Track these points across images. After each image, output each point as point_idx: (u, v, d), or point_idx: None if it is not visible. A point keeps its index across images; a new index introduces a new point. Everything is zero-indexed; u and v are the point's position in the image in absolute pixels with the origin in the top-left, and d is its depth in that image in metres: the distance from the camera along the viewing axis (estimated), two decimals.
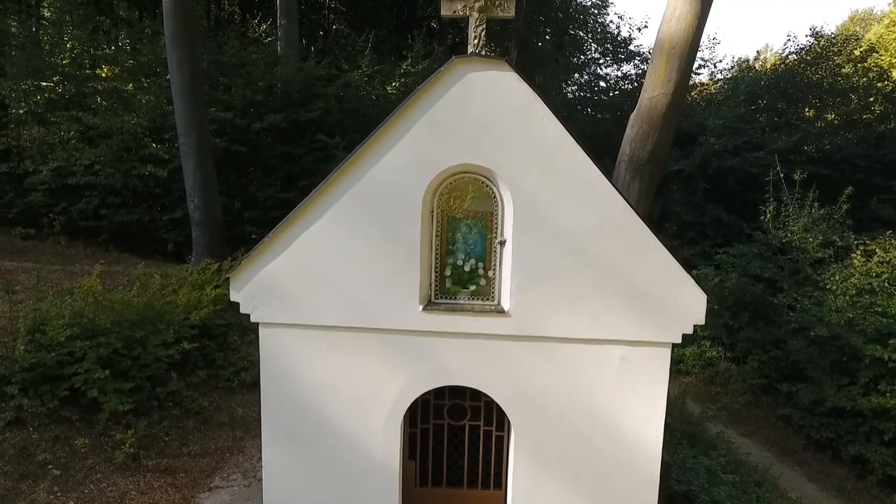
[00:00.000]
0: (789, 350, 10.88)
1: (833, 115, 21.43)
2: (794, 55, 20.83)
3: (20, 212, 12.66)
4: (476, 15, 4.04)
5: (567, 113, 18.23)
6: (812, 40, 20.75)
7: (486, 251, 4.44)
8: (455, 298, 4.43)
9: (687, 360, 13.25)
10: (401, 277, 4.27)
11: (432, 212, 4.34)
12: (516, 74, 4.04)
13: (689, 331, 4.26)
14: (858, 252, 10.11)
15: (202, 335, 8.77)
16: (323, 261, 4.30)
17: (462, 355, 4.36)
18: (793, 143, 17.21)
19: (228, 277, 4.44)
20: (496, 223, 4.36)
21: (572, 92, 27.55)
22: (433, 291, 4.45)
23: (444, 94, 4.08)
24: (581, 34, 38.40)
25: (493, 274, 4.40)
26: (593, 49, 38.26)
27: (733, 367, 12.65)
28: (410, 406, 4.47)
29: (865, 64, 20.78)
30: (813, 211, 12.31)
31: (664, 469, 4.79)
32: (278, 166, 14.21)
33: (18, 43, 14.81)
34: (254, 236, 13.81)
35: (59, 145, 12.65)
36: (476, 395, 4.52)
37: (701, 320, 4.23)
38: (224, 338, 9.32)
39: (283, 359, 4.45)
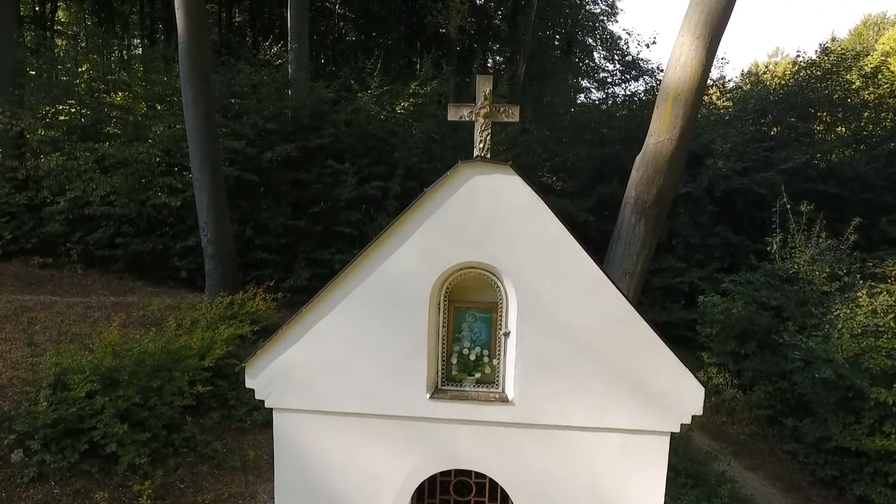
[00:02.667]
0: (795, 382, 10.95)
1: (844, 129, 21.37)
2: (804, 71, 20.75)
3: (38, 241, 12.95)
4: (481, 120, 4.19)
5: (575, 132, 18.29)
6: (822, 56, 20.64)
7: (491, 339, 4.60)
8: (461, 385, 4.59)
9: None
10: (409, 367, 4.44)
11: (439, 304, 4.50)
12: (519, 178, 4.19)
13: (688, 421, 4.40)
14: (864, 291, 10.15)
15: (215, 375, 9.00)
16: (335, 350, 4.48)
17: (467, 440, 4.52)
18: (802, 162, 17.18)
19: (244, 367, 4.61)
20: (501, 314, 4.51)
21: (580, 105, 27.66)
22: (440, 378, 4.61)
23: (451, 196, 4.24)
24: (590, 41, 38.46)
25: (498, 362, 4.56)
26: (601, 56, 38.31)
27: (739, 394, 12.71)
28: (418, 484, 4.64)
29: (876, 79, 20.69)
30: (820, 241, 12.33)
31: None
32: (288, 193, 14.44)
33: (36, 67, 15.10)
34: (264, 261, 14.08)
35: (76, 176, 12.93)
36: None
37: (699, 411, 4.36)
38: (237, 376, 9.52)
39: (296, 442, 4.63)
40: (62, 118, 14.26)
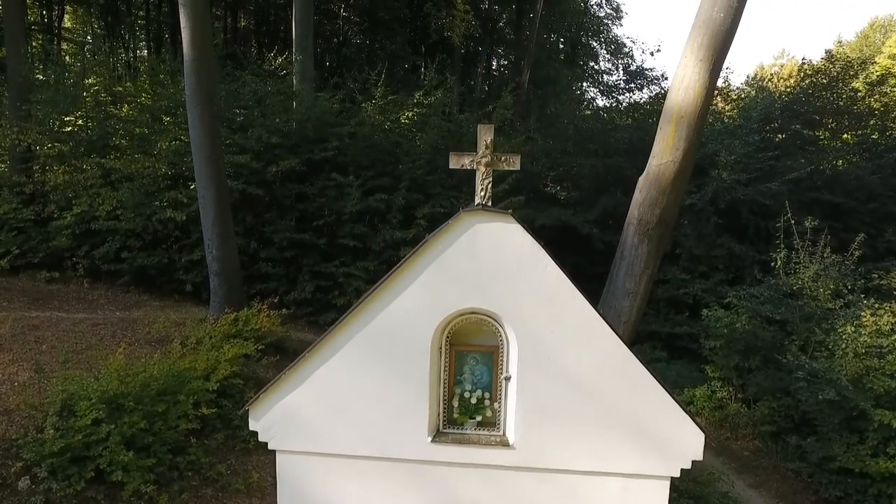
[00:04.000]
0: (799, 399, 10.93)
1: (849, 136, 21.29)
2: (810, 78, 20.66)
3: (45, 256, 13.06)
4: (483, 169, 4.22)
5: (579, 143, 18.28)
6: (828, 64, 20.56)
7: (492, 382, 4.64)
8: (462, 428, 4.63)
9: (697, 401, 13.32)
10: (411, 410, 4.48)
11: (440, 348, 4.54)
12: (520, 226, 4.23)
13: (688, 466, 4.42)
14: (868, 312, 10.13)
15: (220, 395, 9.04)
16: (338, 394, 4.53)
17: (469, 483, 4.56)
18: (807, 173, 17.12)
19: (248, 410, 4.66)
20: (501, 359, 4.55)
21: (584, 111, 27.63)
22: (441, 420, 4.65)
23: (453, 243, 4.28)
24: (594, 44, 38.44)
25: (499, 406, 4.60)
26: (606, 59, 38.29)
27: (743, 408, 12.68)
28: None
29: (883, 88, 20.60)
30: (825, 256, 12.29)
31: None
32: (293, 206, 14.49)
33: (43, 79, 15.22)
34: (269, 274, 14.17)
35: (83, 191, 13.03)
36: None
37: (699, 456, 4.39)
38: (241, 395, 9.57)
39: (299, 483, 4.68)
40: (68, 129, 14.35)
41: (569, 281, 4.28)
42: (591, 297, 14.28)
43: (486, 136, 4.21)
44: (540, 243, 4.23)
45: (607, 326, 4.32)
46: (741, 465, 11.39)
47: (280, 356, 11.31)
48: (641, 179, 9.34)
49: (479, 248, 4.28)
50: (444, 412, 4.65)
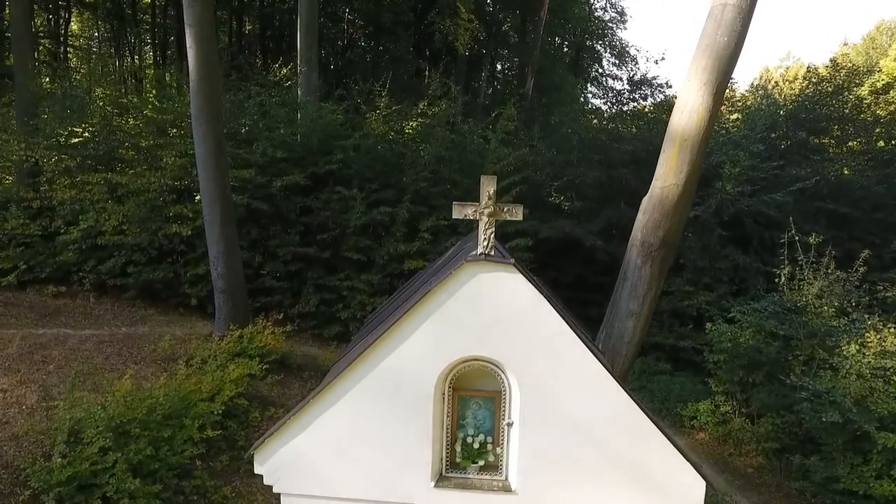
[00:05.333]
0: (803, 416, 10.91)
1: (855, 143, 21.20)
2: (815, 86, 20.58)
3: (52, 270, 13.16)
4: (485, 219, 4.25)
5: (583, 153, 18.27)
6: (834, 72, 20.48)
7: (494, 427, 4.67)
8: (465, 472, 4.66)
9: (701, 415, 13.32)
10: (414, 455, 4.52)
11: (443, 394, 4.58)
12: (522, 276, 4.25)
13: None
14: (872, 332, 10.11)
15: (225, 416, 9.11)
16: (342, 438, 4.56)
17: None
18: (812, 184, 17.06)
19: (253, 455, 4.71)
20: (504, 404, 4.58)
21: (588, 117, 27.58)
22: (444, 465, 4.69)
23: (456, 292, 4.31)
24: (599, 47, 38.39)
25: (502, 451, 4.63)
26: (610, 63, 38.23)
27: (747, 423, 12.67)
28: None
29: (888, 96, 20.51)
30: (829, 272, 12.25)
31: None
32: (297, 220, 14.55)
33: (50, 91, 15.32)
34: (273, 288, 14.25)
35: (89, 206, 13.12)
36: None
37: (700, 503, 4.41)
38: (246, 416, 9.67)
39: None
40: (76, 141, 14.42)
41: (570, 329, 4.30)
42: (595, 307, 14.28)
43: (488, 186, 4.24)
44: (542, 293, 4.26)
45: (609, 374, 4.34)
46: (745, 483, 11.39)
47: (284, 374, 11.40)
48: (645, 201, 9.35)
49: (482, 298, 4.31)
50: (446, 456, 4.69)
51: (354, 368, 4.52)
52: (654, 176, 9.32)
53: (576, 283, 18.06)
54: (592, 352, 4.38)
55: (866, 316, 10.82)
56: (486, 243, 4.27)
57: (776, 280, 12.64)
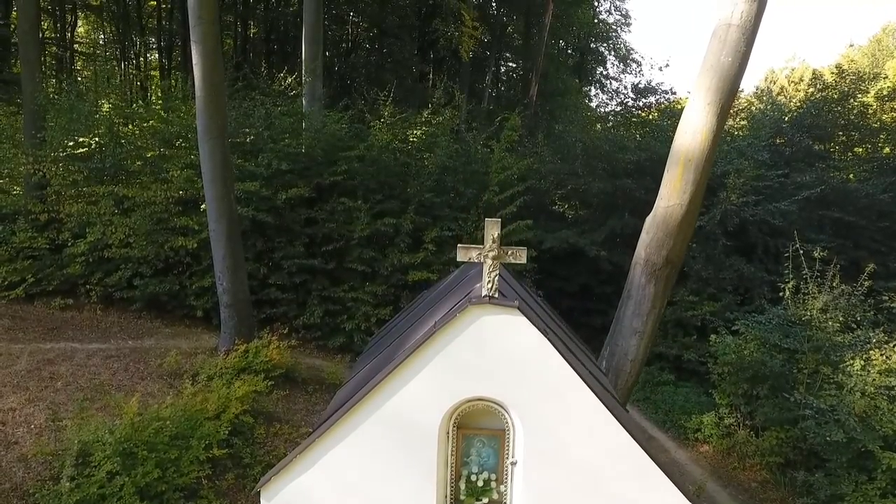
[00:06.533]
0: (807, 433, 10.91)
1: (861, 149, 21.14)
2: (820, 93, 20.53)
3: (59, 283, 13.25)
4: (490, 262, 4.29)
5: (587, 162, 18.27)
6: (839, 79, 20.41)
7: (498, 464, 4.71)
8: None
9: (705, 427, 13.34)
10: (418, 493, 4.57)
11: (448, 432, 4.62)
12: (525, 319, 4.29)
13: None
14: (877, 351, 10.10)
15: (231, 434, 9.17)
16: (348, 476, 4.62)
17: None
18: (817, 193, 17.03)
19: (260, 491, 4.77)
20: (508, 443, 4.62)
21: (593, 120, 27.56)
22: (449, 502, 4.73)
23: (461, 334, 4.36)
24: (603, 49, 38.35)
25: (505, 489, 4.67)
26: (614, 66, 38.19)
27: (752, 436, 12.66)
28: None
29: (894, 103, 20.43)
30: (833, 286, 12.23)
31: None
32: (301, 232, 14.61)
33: (57, 101, 15.39)
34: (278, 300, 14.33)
35: (96, 218, 13.20)
36: None
37: None
38: (251, 432, 9.72)
39: None
40: (82, 150, 14.47)
41: (573, 371, 4.34)
42: (599, 315, 14.33)
43: (492, 230, 4.28)
44: (547, 337, 4.29)
45: (610, 414, 4.38)
46: (749, 498, 11.40)
47: (290, 388, 11.45)
48: (648, 220, 9.36)
49: (486, 340, 4.36)
50: (451, 494, 4.73)
51: (360, 407, 4.57)
52: (658, 191, 9.33)
53: (580, 292, 18.09)
54: (595, 391, 4.41)
55: (871, 334, 10.79)
56: (490, 286, 4.30)
57: (780, 294, 12.62)
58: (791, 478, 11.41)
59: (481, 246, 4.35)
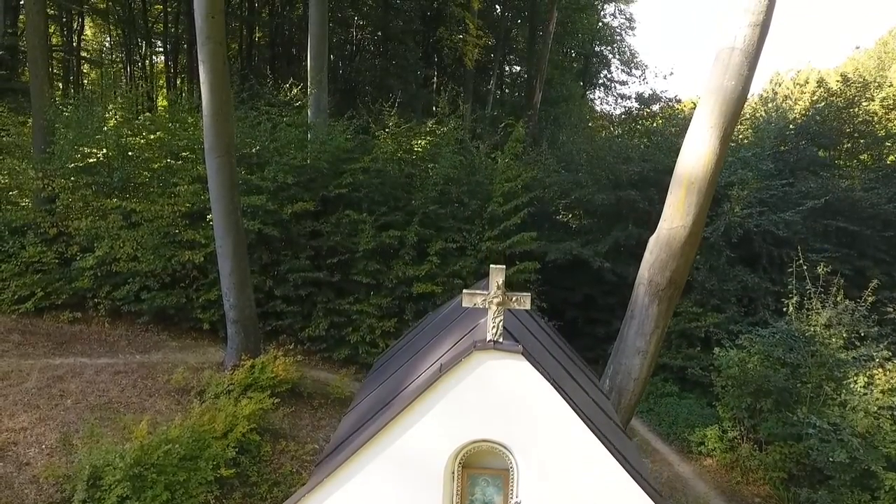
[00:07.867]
0: (811, 450, 10.95)
1: (867, 156, 21.11)
2: (825, 101, 20.51)
3: (68, 297, 13.39)
4: (494, 308, 4.36)
5: (591, 173, 18.33)
6: (844, 87, 20.38)
7: (502, 503, 4.78)
8: None
9: (708, 440, 13.39)
10: None
11: (453, 472, 4.71)
12: (529, 363, 4.37)
13: None
14: (880, 371, 10.14)
15: (238, 452, 9.27)
16: None
17: None
18: (821, 204, 17.03)
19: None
20: (511, 482, 4.70)
21: (597, 125, 27.62)
22: None
23: (466, 378, 4.44)
24: (606, 52, 38.36)
25: None
26: (618, 69, 38.19)
27: (755, 449, 12.70)
28: None
29: None
30: (837, 302, 12.26)
31: None
32: (307, 245, 14.72)
33: (66, 113, 15.52)
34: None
35: (104, 232, 13.33)
36: None
37: None
38: (258, 450, 9.83)
39: None
40: (91, 161, 14.55)
41: (575, 414, 4.42)
42: (602, 325, 14.46)
43: (497, 277, 4.35)
44: (550, 381, 4.37)
45: (610, 455, 4.45)
46: None
47: (295, 404, 11.57)
48: (651, 241, 9.42)
49: (491, 383, 4.44)
50: None
51: (367, 448, 4.65)
52: (662, 201, 9.41)
53: (584, 301, 18.15)
54: (597, 434, 4.49)
55: (874, 352, 10.82)
56: (494, 331, 4.38)
57: (784, 310, 12.66)
58: (794, 494, 11.46)
59: (486, 292, 4.43)
